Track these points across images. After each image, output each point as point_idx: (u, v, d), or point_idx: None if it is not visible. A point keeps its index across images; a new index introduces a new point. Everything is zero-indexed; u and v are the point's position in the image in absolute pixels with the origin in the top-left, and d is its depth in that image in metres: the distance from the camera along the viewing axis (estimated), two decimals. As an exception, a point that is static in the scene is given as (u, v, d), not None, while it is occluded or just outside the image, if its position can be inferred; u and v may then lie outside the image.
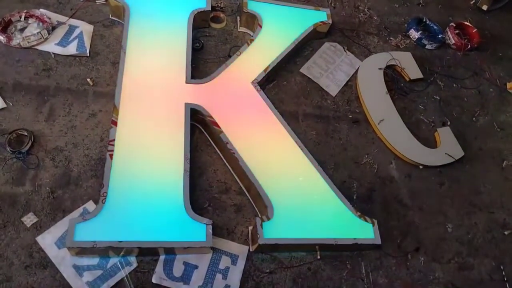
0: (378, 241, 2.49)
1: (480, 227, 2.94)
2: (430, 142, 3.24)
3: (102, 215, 2.18)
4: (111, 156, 2.37)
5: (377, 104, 3.29)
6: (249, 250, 2.46)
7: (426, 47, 3.89)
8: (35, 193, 2.37)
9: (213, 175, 2.70)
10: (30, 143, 2.49)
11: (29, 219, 2.28)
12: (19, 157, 2.44)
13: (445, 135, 3.26)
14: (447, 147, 3.19)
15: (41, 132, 2.58)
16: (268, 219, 2.38)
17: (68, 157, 2.53)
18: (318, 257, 2.49)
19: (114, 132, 2.46)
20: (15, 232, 2.24)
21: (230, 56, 3.16)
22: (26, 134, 2.52)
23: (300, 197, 2.54)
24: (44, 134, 2.57)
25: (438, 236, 2.83)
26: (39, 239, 2.23)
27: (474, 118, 3.54)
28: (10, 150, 2.44)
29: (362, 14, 3.97)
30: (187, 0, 3.22)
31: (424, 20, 4.01)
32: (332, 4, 3.93)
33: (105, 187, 2.27)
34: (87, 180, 2.48)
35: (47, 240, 2.22)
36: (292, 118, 3.02)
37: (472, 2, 4.49)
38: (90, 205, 2.37)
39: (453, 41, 3.94)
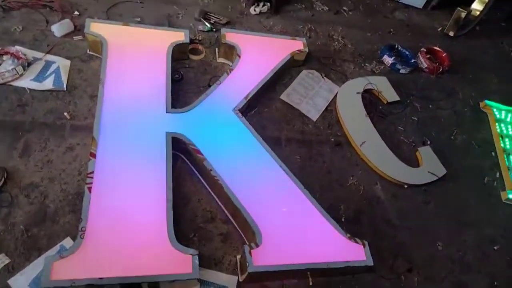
0: (370, 263, 2.42)
1: (470, 243, 2.93)
2: (412, 162, 3.27)
3: (81, 251, 2.06)
4: (89, 189, 2.28)
5: (358, 127, 3.33)
6: (238, 280, 2.35)
7: (400, 71, 4.03)
8: (7, 232, 2.23)
9: (198, 204, 2.62)
10: (2, 180, 2.37)
11: (0, 261, 2.12)
12: (-9, 195, 2.32)
13: (426, 154, 3.31)
14: (430, 166, 3.23)
15: (15, 169, 2.47)
16: (257, 246, 2.30)
17: (44, 193, 2.41)
18: (310, 283, 2.39)
19: (93, 164, 2.37)
20: (-16, 276, 2.08)
21: (210, 86, 3.17)
22: (-2, 171, 2.41)
23: (288, 222, 2.47)
24: (18, 170, 2.46)
25: (429, 255, 2.79)
26: (11, 281, 2.07)
27: (452, 137, 3.62)
28: (-19, 189, 2.32)
29: (336, 42, 4.11)
30: (165, 33, 3.26)
31: (396, 47, 4.17)
32: (307, 35, 4.06)
33: (84, 221, 2.15)
34: (64, 215, 2.36)
35: (20, 282, 2.07)
36: (275, 144, 3.00)
37: (439, 29, 4.72)
38: (67, 242, 2.24)
39: (426, 65, 4.09)
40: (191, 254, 2.19)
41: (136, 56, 3.04)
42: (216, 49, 3.56)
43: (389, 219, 2.89)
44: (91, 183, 2.30)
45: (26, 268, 2.12)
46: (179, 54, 3.31)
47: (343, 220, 2.76)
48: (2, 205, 2.31)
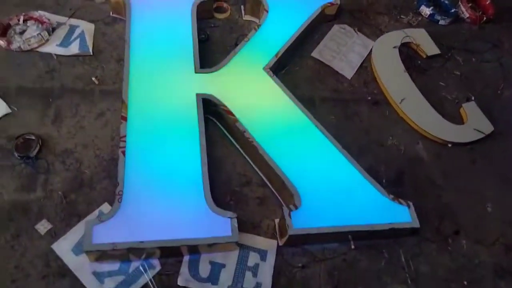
0: (416, 224, 2.31)
1: (523, 203, 2.75)
2: (456, 119, 3.06)
3: (120, 215, 2.03)
4: (123, 152, 2.23)
5: (396, 83, 3.13)
6: (277, 244, 2.29)
7: (440, 22, 3.73)
8: (47, 199, 2.23)
9: (232, 167, 2.55)
10: (38, 147, 2.36)
11: (43, 226, 2.13)
12: (28, 162, 2.31)
13: (471, 110, 3.09)
14: (475, 123, 3.02)
15: (49, 135, 2.45)
16: (296, 208, 2.22)
17: (79, 159, 2.39)
18: (352, 246, 2.31)
19: (124, 127, 2.32)
20: (29, 241, 2.10)
21: (237, 45, 3.02)
22: (33, 138, 2.39)
23: (328, 182, 2.37)
24: (52, 137, 2.44)
25: (478, 216, 2.63)
26: (54, 246, 2.08)
27: (499, 92, 3.36)
28: (18, 156, 2.31)
29: (369, -6, 3.83)
30: (189, -10, 3.10)
31: (434, -4, 3.85)
32: (338, -13, 3.78)
33: (120, 185, 2.12)
34: (100, 181, 2.33)
35: (63, 247, 2.08)
36: (308, 104, 2.83)
37: (481, -25, 4.32)
38: (105, 208, 2.22)
39: (467, 15, 3.78)
40: (229, 217, 2.13)
41: (160, 16, 2.92)
42: (242, 6, 3.37)
43: (433, 180, 2.74)
44: (124, 146, 2.25)
45: (68, 234, 2.12)
46: (203, 13, 3.15)
47: (384, 181, 2.62)
48: (39, 171, 2.30)
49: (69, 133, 2.48)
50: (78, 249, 2.07)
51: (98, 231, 1.95)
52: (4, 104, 2.50)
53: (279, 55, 2.91)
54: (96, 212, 2.21)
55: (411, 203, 2.37)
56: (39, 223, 2.15)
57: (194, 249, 2.13)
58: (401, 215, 2.32)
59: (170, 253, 2.11)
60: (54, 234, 2.13)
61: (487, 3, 3.86)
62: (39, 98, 2.58)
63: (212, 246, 2.11)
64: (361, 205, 2.33)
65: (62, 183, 2.29)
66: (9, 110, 2.49)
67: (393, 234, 2.36)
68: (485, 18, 3.78)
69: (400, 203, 2.37)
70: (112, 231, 1.97)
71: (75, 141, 2.45)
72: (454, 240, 2.50)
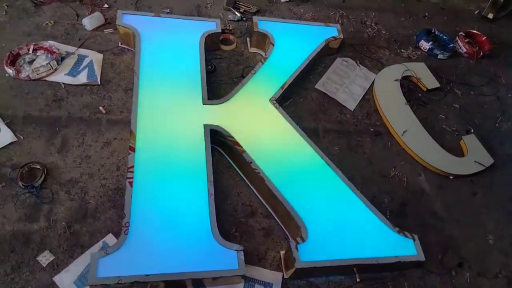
0: (422, 258, 2.30)
1: (524, 236, 2.76)
2: (456, 151, 3.11)
3: (126, 247, 2.01)
4: (130, 183, 2.22)
5: (398, 115, 3.19)
6: (283, 276, 2.26)
7: (438, 57, 3.84)
8: (50, 229, 2.21)
9: (237, 198, 2.54)
10: (43, 176, 2.35)
11: (45, 258, 2.10)
12: (32, 192, 2.29)
13: (471, 142, 3.14)
14: (476, 155, 3.06)
15: (54, 164, 2.44)
16: (303, 241, 2.21)
17: (84, 189, 2.38)
18: (358, 279, 2.29)
19: (132, 158, 2.32)
20: (30, 274, 2.06)
21: (243, 77, 3.08)
22: (38, 167, 2.38)
23: (334, 215, 2.37)
24: (57, 166, 2.44)
25: (480, 249, 2.64)
26: (56, 279, 2.04)
27: (497, 124, 3.44)
28: (22, 185, 2.30)
29: (370, 29, 3.95)
30: (197, 23, 3.18)
31: (433, 31, 3.98)
32: (339, 21, 3.91)
33: (127, 216, 2.10)
34: (105, 211, 2.32)
35: (65, 280, 2.04)
36: (313, 135, 2.88)
37: (476, 12, 4.49)
38: (109, 239, 2.20)
39: (465, 50, 3.90)
40: (236, 250, 2.11)
41: (169, 47, 2.98)
42: (248, 39, 3.46)
43: (435, 212, 2.75)
44: (132, 177, 2.25)
45: (70, 265, 2.09)
46: (210, 45, 3.23)
47: (388, 213, 2.63)
48: (43, 201, 2.28)
49: (75, 162, 2.48)
50: (80, 281, 2.03)
51: (103, 264, 1.92)
52: (10, 132, 2.50)
53: (285, 87, 2.97)
54: (100, 243, 2.18)
55: (416, 236, 2.37)
56: (41, 254, 2.11)
57: (199, 282, 2.10)
58: (406, 248, 2.31)
59: (174, 286, 2.07)
60: (56, 266, 2.09)
61: (483, 39, 4.00)
62: (46, 126, 2.59)
63: (217, 279, 2.08)
64: (367, 238, 2.32)
65: (66, 213, 2.27)
66: (15, 138, 2.49)
67: (397, 267, 2.34)
68: (481, 53, 3.91)
69: (405, 236, 2.36)
70: (118, 264, 1.94)
71: (80, 171, 2.44)
72: (458, 273, 2.49)
